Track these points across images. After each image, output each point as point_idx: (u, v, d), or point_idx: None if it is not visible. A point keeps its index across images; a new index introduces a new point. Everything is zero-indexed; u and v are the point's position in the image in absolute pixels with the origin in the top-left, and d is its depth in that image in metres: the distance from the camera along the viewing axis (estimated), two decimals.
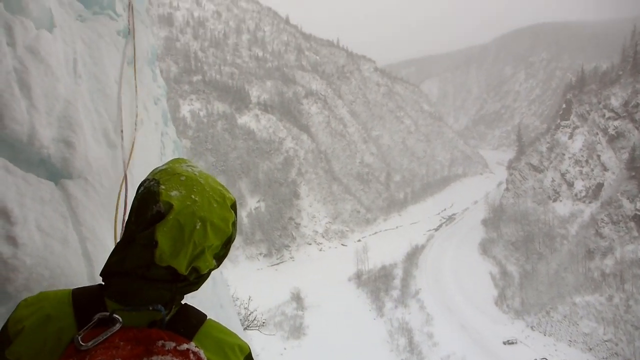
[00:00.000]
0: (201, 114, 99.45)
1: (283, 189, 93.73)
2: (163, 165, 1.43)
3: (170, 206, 1.26)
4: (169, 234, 1.25)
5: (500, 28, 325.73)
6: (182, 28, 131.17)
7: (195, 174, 1.37)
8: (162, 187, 1.30)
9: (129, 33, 3.39)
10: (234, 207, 1.40)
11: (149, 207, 1.28)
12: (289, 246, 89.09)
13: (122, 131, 2.59)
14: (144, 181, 1.38)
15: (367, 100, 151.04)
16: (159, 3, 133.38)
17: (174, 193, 1.29)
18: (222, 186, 1.43)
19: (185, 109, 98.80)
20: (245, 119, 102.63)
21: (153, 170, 1.41)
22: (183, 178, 1.34)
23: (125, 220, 1.45)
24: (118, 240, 2.10)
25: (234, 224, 1.39)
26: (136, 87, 3.17)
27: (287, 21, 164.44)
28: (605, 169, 72.37)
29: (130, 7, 3.49)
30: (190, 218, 1.27)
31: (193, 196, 1.30)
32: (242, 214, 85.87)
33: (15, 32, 2.27)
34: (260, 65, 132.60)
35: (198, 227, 1.27)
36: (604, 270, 58.09)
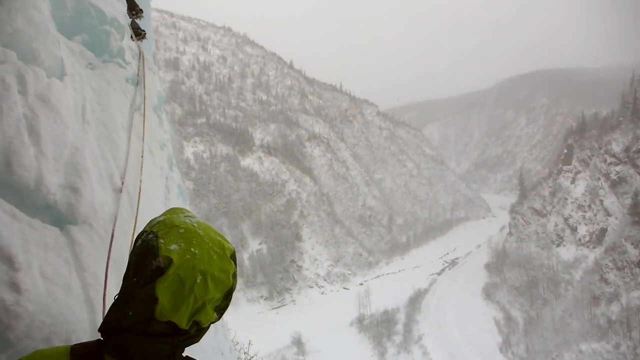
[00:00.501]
0: (204, 155, 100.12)
1: (285, 231, 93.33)
2: (160, 216, 1.41)
3: (170, 261, 1.24)
4: (169, 290, 1.23)
5: (501, 74, 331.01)
6: (188, 72, 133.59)
7: (193, 226, 1.34)
8: (161, 240, 1.28)
9: (138, 81, 3.47)
10: (233, 257, 1.39)
11: (148, 262, 1.26)
12: (291, 289, 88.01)
13: (124, 177, 2.64)
14: (142, 234, 1.36)
15: (370, 143, 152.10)
16: (165, 48, 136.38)
17: (173, 247, 1.27)
18: (221, 236, 1.41)
19: (188, 151, 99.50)
20: (249, 161, 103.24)
21: (150, 222, 1.39)
22: (182, 230, 1.31)
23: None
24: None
25: (234, 275, 1.38)
26: (144, 133, 3.22)
27: (291, 66, 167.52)
28: (609, 214, 72.05)
29: (140, 56, 3.58)
30: (191, 272, 1.25)
31: (192, 249, 1.28)
32: (244, 256, 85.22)
33: (27, 81, 2.34)
34: (264, 108, 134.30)
35: (199, 280, 1.25)
36: (610, 317, 57.01)
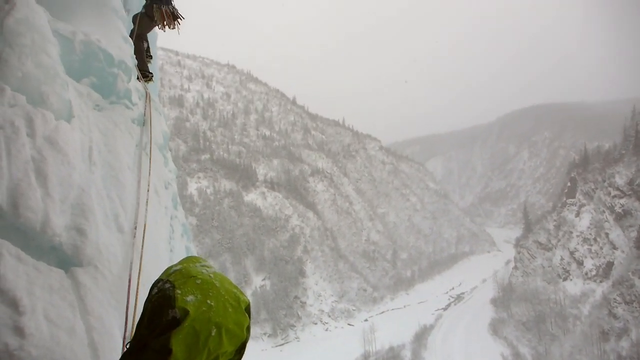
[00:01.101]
0: (208, 191, 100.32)
1: (289, 267, 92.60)
2: (177, 264, 1.40)
3: (186, 312, 1.24)
4: (183, 341, 1.23)
5: (504, 108, 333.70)
6: (192, 109, 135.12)
7: (210, 277, 1.34)
8: (178, 291, 1.27)
9: (144, 123, 3.52)
10: (248, 309, 1.40)
11: (164, 312, 1.25)
12: (294, 326, 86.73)
13: (130, 218, 2.65)
14: (158, 282, 1.35)
15: (373, 178, 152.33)
16: (170, 85, 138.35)
17: (189, 298, 1.26)
18: (237, 288, 1.41)
19: (192, 187, 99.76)
20: (252, 197, 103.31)
21: (167, 270, 1.39)
22: (199, 281, 1.31)
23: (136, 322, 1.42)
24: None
25: (248, 328, 1.38)
26: (150, 172, 3.25)
27: (294, 102, 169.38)
28: (615, 248, 71.42)
29: (147, 97, 3.64)
30: (206, 324, 1.25)
31: (209, 301, 1.28)
32: (247, 293, 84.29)
33: (35, 124, 2.38)
34: (267, 144, 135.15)
35: (213, 333, 1.25)
36: (620, 353, 55.86)
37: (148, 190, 3.25)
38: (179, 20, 6.88)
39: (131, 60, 4.14)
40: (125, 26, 4.64)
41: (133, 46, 4.82)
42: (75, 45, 3.13)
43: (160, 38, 9.66)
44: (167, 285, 1.30)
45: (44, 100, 2.49)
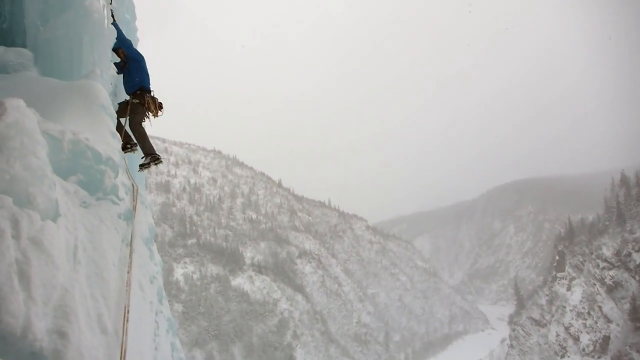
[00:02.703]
0: (194, 276, 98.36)
1: (278, 354, 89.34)
2: None
3: None
4: None
5: (487, 185, 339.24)
6: (178, 194, 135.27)
7: None
8: None
9: (131, 217, 3.54)
10: None
11: None
12: None
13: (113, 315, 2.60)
14: None
15: (361, 258, 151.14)
16: (157, 172, 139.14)
17: None
18: None
19: (178, 272, 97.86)
20: (239, 281, 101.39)
21: None
22: None
23: None
24: None
25: None
26: (135, 268, 3.23)
27: (279, 184, 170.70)
28: (609, 321, 70.35)
29: (134, 190, 3.68)
30: None
31: None
32: None
33: (21, 225, 2.38)
34: (254, 227, 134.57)
35: None
36: None
37: (131, 287, 3.21)
38: (162, 110, 7.43)
39: (119, 155, 4.22)
40: (113, 122, 4.78)
41: (121, 142, 4.95)
42: (64, 144, 3.20)
43: (147, 126, 9.92)
44: None
45: (31, 201, 2.51)
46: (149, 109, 7.08)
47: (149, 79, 7.35)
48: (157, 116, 7.44)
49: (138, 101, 6.93)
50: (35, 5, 6.04)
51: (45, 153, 2.85)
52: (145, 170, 6.99)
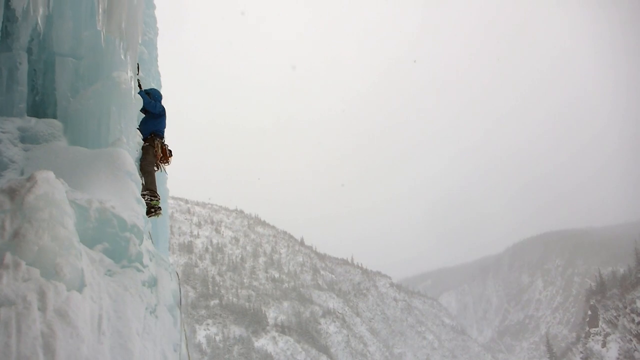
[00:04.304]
0: (217, 338, 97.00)
1: None
2: None
3: None
4: None
5: (512, 238, 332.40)
6: (201, 254, 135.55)
7: None
8: None
9: (155, 284, 3.55)
10: None
11: None
12: None
13: None
14: None
15: (386, 316, 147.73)
16: (180, 232, 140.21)
17: None
18: None
19: (201, 334, 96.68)
20: (262, 342, 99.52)
21: None
22: None
23: None
24: None
25: None
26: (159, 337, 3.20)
27: (302, 243, 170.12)
28: None
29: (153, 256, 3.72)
30: None
31: None
32: None
33: (47, 297, 2.39)
34: (277, 286, 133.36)
35: None
36: None
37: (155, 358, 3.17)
38: (171, 157, 7.74)
39: (143, 221, 4.28)
40: (138, 188, 4.89)
41: (146, 207, 5.04)
42: (91, 213, 3.27)
43: (171, 188, 10.15)
44: None
45: (57, 272, 2.54)
46: (157, 154, 7.34)
47: (164, 129, 7.75)
48: (166, 163, 7.71)
49: (148, 144, 7.24)
50: (66, 78, 6.33)
51: (72, 223, 2.90)
52: (169, 232, 7.07)
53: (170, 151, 7.72)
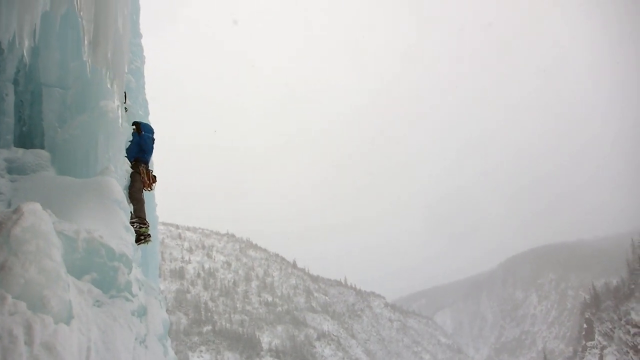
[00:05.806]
0: None
1: None
2: None
3: None
4: None
5: (504, 253, 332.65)
6: (193, 280, 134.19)
7: None
8: None
9: (144, 313, 3.52)
10: None
11: None
12: None
13: None
14: None
15: (382, 337, 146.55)
16: (171, 258, 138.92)
17: None
18: None
19: None
20: None
21: None
22: None
23: None
24: None
25: None
26: None
27: (294, 265, 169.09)
28: None
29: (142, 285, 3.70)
30: None
31: None
32: None
33: (34, 330, 2.37)
34: (270, 310, 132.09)
35: None
36: None
37: None
38: (155, 183, 7.78)
39: (132, 250, 4.26)
40: (127, 216, 4.87)
41: (135, 234, 5.01)
42: (79, 243, 3.25)
43: (161, 214, 10.15)
44: None
45: (44, 304, 2.52)
46: (144, 181, 7.41)
47: (150, 156, 7.84)
48: (150, 189, 7.76)
49: (134, 170, 7.30)
50: (54, 108, 6.34)
51: (60, 254, 2.88)
52: (159, 259, 7.03)
53: (154, 177, 7.81)
